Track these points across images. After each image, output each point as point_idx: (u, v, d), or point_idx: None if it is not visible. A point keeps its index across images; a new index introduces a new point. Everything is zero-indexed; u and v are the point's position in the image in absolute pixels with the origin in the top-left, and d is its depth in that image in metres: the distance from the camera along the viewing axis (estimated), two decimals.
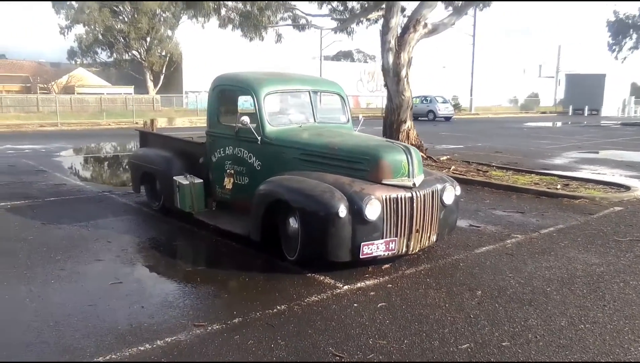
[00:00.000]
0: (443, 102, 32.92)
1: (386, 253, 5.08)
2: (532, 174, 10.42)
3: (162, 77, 44.58)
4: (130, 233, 6.34)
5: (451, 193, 5.52)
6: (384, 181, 5.06)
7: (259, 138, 5.77)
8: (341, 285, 4.71)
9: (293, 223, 5.17)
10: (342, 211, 4.73)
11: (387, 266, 5.20)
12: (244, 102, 6.52)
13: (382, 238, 4.97)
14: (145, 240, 6.14)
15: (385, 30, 10.61)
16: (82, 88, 42.65)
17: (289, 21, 15.60)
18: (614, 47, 34.19)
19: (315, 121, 6.24)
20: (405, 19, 11.14)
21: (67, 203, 7.95)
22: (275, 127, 5.86)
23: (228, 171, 6.14)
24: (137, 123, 17.37)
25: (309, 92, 6.32)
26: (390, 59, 10.61)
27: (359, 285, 4.74)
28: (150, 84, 44.51)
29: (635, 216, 7.50)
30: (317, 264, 5.01)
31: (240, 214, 6.12)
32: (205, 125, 6.59)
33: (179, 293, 4.55)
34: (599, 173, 11.29)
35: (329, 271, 4.96)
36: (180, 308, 4.18)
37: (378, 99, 42.64)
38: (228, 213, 6.36)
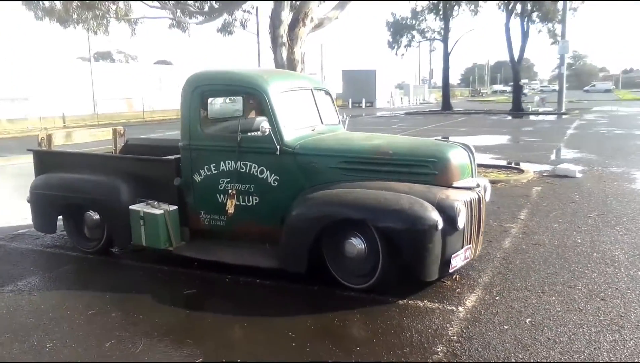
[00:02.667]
0: None
1: (463, 263, 4.62)
2: None
3: None
4: (99, 299, 4.49)
5: (489, 190, 5.25)
6: (454, 184, 4.54)
7: (277, 148, 4.72)
8: (455, 309, 4.08)
9: (357, 243, 4.36)
10: (440, 222, 4.10)
11: (450, 279, 4.70)
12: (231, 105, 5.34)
13: (462, 247, 4.49)
14: (135, 306, 4.35)
15: (276, 24, 9.83)
16: None
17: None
18: (393, 44, 38.07)
19: (322, 123, 5.37)
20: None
21: None
22: (294, 134, 4.87)
23: (230, 191, 4.92)
24: None
25: (311, 90, 5.42)
26: (284, 54, 9.88)
27: (468, 304, 4.17)
28: None
29: (566, 191, 8.21)
30: (385, 288, 4.37)
31: (239, 242, 5.03)
32: (181, 136, 5.19)
33: None
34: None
35: (409, 295, 4.35)
36: None
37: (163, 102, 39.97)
38: (219, 242, 5.15)
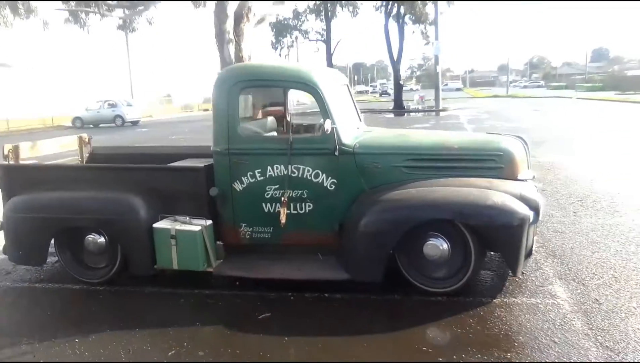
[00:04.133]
0: (128, 105, 30.48)
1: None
2: None
3: None
4: (164, 336, 3.83)
5: None
6: (519, 177, 4.52)
7: (336, 148, 4.36)
8: (555, 302, 4.05)
9: (440, 244, 4.16)
10: (531, 217, 4.05)
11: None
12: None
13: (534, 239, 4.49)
14: (217, 339, 3.75)
15: (222, 19, 9.22)
16: None
17: None
18: (276, 45, 37.89)
19: (360, 120, 5.08)
20: None
21: None
22: (350, 132, 4.54)
23: (282, 199, 4.45)
24: None
25: (347, 85, 5.10)
26: (232, 51, 9.30)
27: (563, 296, 4.16)
28: None
29: None
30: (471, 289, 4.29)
31: (284, 255, 4.59)
32: (214, 141, 4.58)
33: None
34: None
35: (492, 294, 4.27)
36: None
37: None
38: (262, 257, 4.65)
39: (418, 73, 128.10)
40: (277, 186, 4.47)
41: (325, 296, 4.31)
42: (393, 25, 31.90)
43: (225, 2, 9.07)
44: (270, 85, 4.88)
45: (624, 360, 3.03)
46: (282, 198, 4.43)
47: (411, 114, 31.28)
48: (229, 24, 9.23)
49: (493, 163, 4.43)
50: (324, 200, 4.46)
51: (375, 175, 4.42)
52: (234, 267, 4.55)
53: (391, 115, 31.12)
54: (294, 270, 4.45)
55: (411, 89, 74.74)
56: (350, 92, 5.05)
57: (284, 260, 4.58)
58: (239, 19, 9.45)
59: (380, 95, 69.93)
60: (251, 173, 4.49)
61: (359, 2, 32.54)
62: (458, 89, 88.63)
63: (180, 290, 4.56)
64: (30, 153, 5.49)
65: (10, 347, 3.63)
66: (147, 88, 49.72)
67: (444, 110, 31.20)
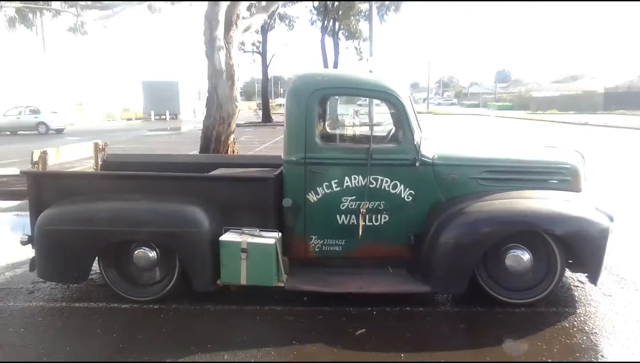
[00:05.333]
0: (53, 113, 28.53)
1: None
2: None
3: None
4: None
5: None
6: (581, 189, 4.69)
7: (416, 159, 4.32)
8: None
9: (523, 255, 4.21)
10: (610, 228, 4.21)
11: None
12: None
13: None
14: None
15: (213, 25, 8.85)
16: None
17: None
18: None
19: (421, 131, 5.05)
20: None
21: None
22: (425, 143, 4.50)
23: (361, 210, 4.33)
24: None
25: (410, 96, 5.05)
26: (222, 58, 8.95)
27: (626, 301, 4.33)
28: None
29: None
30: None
31: (352, 269, 4.48)
32: (286, 150, 4.37)
33: None
34: None
35: (556, 304, 4.39)
36: None
37: None
38: (330, 271, 4.50)
39: None
40: (353, 197, 4.34)
41: (407, 310, 4.22)
42: (329, 40, 32.30)
43: (217, 4, 8.73)
44: (351, 93, 4.75)
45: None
46: (361, 210, 4.30)
47: None
48: (220, 31, 8.90)
49: (562, 176, 4.56)
50: (400, 212, 4.39)
51: (452, 186, 4.41)
52: (305, 282, 4.34)
53: None
54: (371, 283, 4.32)
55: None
56: (412, 102, 5.02)
57: (353, 274, 4.44)
58: (228, 25, 9.15)
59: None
60: (327, 184, 4.33)
61: (294, 16, 32.61)
62: (378, 105, 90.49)
63: (247, 307, 4.29)
64: (55, 160, 4.99)
65: None
66: (61, 95, 47.09)
67: (378, 124, 31.82)
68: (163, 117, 45.99)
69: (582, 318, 4.04)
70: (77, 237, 4.29)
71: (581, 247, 4.11)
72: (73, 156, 5.36)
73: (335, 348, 3.60)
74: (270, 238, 4.21)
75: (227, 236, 4.23)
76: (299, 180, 4.34)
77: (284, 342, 3.68)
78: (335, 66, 32.94)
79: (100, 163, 5.68)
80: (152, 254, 4.38)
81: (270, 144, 18.88)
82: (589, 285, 4.57)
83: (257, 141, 20.41)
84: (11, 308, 4.35)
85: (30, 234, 4.61)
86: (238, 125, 8.77)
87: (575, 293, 4.53)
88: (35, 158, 4.67)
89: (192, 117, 50.30)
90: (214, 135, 9.35)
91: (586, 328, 3.87)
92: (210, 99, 9.37)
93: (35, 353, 3.54)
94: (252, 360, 3.16)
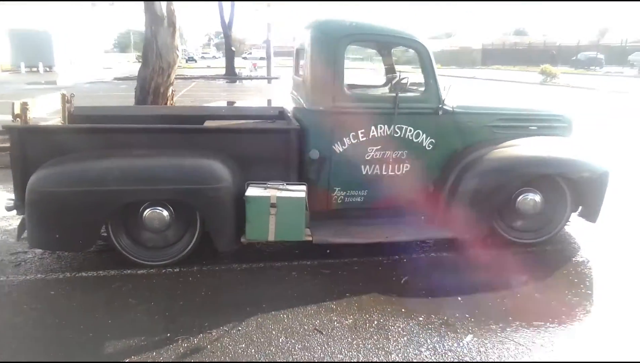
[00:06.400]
0: None
1: None
2: None
3: None
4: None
5: None
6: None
7: (440, 107, 4.37)
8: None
9: (536, 199, 4.47)
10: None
11: None
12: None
13: None
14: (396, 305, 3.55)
15: None
16: None
17: None
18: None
19: None
20: None
21: None
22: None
23: (385, 159, 4.31)
24: None
25: None
26: (164, 4, 8.27)
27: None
28: None
29: None
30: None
31: (370, 219, 4.52)
32: (310, 99, 4.18)
33: None
34: None
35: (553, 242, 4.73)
36: None
37: None
38: (351, 222, 4.48)
39: (216, 41, 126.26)
40: (379, 147, 4.30)
41: (433, 256, 4.32)
42: None
43: None
44: (381, 40, 4.58)
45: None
46: (390, 158, 4.28)
47: (243, 81, 30.98)
48: None
49: (561, 123, 4.83)
50: (421, 161, 4.42)
51: (468, 135, 4.51)
52: (331, 234, 4.26)
53: (223, 82, 30.42)
54: (396, 232, 4.35)
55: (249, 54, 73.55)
56: None
57: (374, 224, 4.44)
58: None
59: (187, 61, 67.49)
60: (354, 134, 4.24)
61: None
62: (262, 58, 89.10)
63: (276, 263, 4.15)
64: (33, 113, 4.38)
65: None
66: None
67: (276, 78, 31.53)
68: (34, 69, 41.85)
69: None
70: (85, 199, 3.83)
71: (587, 188, 4.42)
72: (44, 110, 4.72)
73: (392, 297, 3.60)
74: (300, 191, 4.05)
75: (253, 191, 4.00)
76: (327, 130, 4.19)
77: (337, 295, 3.62)
78: (232, 16, 31.83)
79: (67, 116, 5.08)
80: (166, 214, 4.04)
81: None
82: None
83: None
84: (6, 283, 3.82)
85: (14, 198, 4.05)
86: (127, 79, 8.06)
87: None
88: (17, 110, 4.05)
89: (68, 69, 46.36)
90: (152, 86, 8.74)
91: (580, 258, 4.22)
92: (148, 47, 8.68)
93: (76, 329, 3.15)
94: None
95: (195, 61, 64.17)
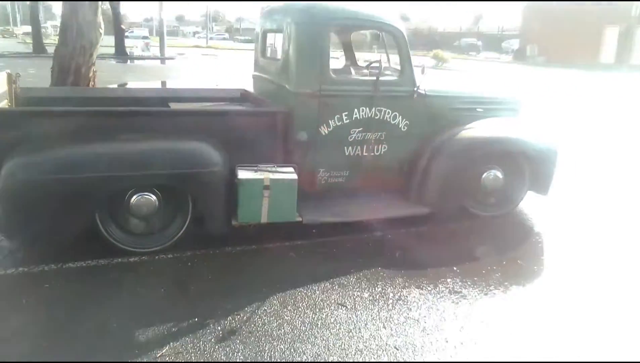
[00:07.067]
0: None
1: None
2: None
3: None
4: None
5: None
6: None
7: (414, 90, 4.64)
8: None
9: (500, 175, 4.91)
10: None
11: None
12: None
13: None
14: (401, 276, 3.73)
15: None
16: None
17: None
18: None
19: None
20: None
21: None
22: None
23: (368, 141, 4.51)
24: None
25: None
26: None
27: None
28: None
29: None
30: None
31: (352, 198, 4.75)
32: (296, 82, 4.23)
33: None
34: None
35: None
36: None
37: None
38: (334, 202, 4.66)
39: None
40: (360, 129, 4.47)
41: (414, 230, 4.60)
42: None
43: None
44: (363, 26, 4.65)
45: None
46: (368, 140, 4.47)
47: (135, 61, 29.52)
48: None
49: (513, 106, 5.30)
50: (396, 142, 4.66)
51: (437, 117, 4.81)
52: (319, 214, 4.40)
53: (114, 62, 28.75)
54: (378, 210, 4.58)
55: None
56: None
57: (355, 204, 4.64)
58: None
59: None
60: (338, 116, 4.38)
61: None
62: (145, 37, 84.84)
63: (267, 245, 4.20)
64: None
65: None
66: None
67: (171, 58, 30.44)
68: None
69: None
70: (75, 187, 3.63)
71: (542, 164, 4.92)
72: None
73: (395, 270, 3.81)
74: (291, 173, 4.12)
75: (246, 174, 4.02)
76: (313, 113, 4.28)
77: (343, 272, 3.76)
78: None
79: (13, 98, 4.69)
80: (154, 199, 3.94)
81: None
82: None
83: None
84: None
85: None
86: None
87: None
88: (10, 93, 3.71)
89: None
90: (73, 66, 8.15)
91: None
92: (66, 24, 8.06)
93: (99, 322, 3.02)
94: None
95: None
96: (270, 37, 5.13)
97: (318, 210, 4.42)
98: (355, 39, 5.44)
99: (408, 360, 2.79)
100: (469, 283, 3.64)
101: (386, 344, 2.89)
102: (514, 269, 3.92)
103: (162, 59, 30.28)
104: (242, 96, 5.46)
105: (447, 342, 2.94)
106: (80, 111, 3.94)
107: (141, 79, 16.79)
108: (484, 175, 4.81)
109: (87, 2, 7.86)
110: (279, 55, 4.61)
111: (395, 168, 4.72)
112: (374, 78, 4.41)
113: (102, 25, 8.37)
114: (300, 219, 4.23)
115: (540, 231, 4.75)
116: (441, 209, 4.68)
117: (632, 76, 24.83)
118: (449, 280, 3.67)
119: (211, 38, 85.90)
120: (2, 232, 3.71)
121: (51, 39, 39.32)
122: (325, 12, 4.30)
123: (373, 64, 4.74)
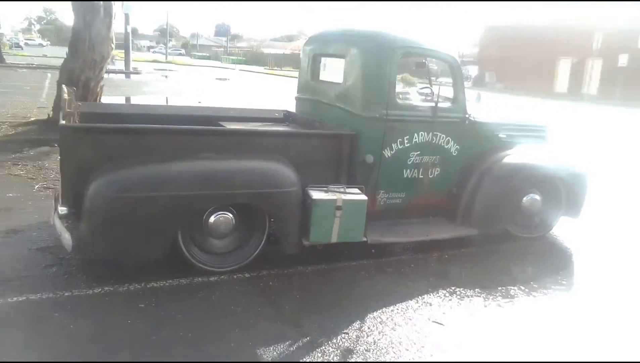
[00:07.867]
0: None
1: None
2: None
3: None
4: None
5: None
6: None
7: (466, 117, 4.89)
8: None
9: (539, 198, 5.19)
10: None
11: None
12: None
13: None
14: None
15: None
16: None
17: None
18: None
19: None
20: None
21: None
22: None
23: (422, 163, 4.72)
24: None
25: None
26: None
27: None
28: None
29: None
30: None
31: (406, 219, 4.93)
32: (363, 106, 4.39)
33: None
34: None
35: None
36: None
37: None
38: (391, 223, 4.81)
39: (39, 27, 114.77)
40: (418, 152, 4.66)
41: (464, 251, 4.81)
42: None
43: None
44: (426, 55, 4.83)
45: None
46: (424, 164, 4.68)
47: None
48: None
49: (543, 133, 5.63)
50: (448, 165, 4.87)
51: (481, 142, 5.06)
52: (381, 234, 4.53)
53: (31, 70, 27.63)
54: (434, 231, 4.77)
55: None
56: None
57: (408, 224, 4.81)
58: None
59: (10, 48, 60.39)
60: (400, 140, 4.55)
61: None
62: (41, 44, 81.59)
63: (337, 264, 4.32)
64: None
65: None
66: None
67: (136, 72, 29.99)
68: None
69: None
70: (161, 205, 3.65)
71: (576, 188, 5.24)
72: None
73: (475, 288, 3.99)
74: (360, 194, 4.26)
75: (319, 195, 4.13)
76: (379, 136, 4.44)
77: (421, 291, 3.91)
78: None
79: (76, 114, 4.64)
80: (231, 218, 3.99)
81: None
82: None
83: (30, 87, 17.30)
84: (63, 299, 3.47)
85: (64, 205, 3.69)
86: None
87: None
88: (69, 108, 3.69)
89: None
90: (82, 80, 8.07)
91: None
92: (78, 37, 7.98)
93: (211, 341, 3.05)
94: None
95: (22, 48, 57.34)
96: (319, 61, 5.26)
97: (379, 230, 4.54)
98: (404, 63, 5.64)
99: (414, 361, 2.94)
100: (544, 298, 3.86)
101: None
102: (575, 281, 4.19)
103: (127, 73, 29.75)
104: (285, 117, 5.56)
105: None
106: (166, 129, 3.95)
107: (125, 94, 16.51)
108: (525, 198, 5.06)
109: (102, 16, 7.81)
110: (339, 79, 4.75)
111: (445, 190, 4.91)
112: (433, 104, 4.61)
113: (114, 40, 8.31)
114: (366, 239, 4.35)
115: (574, 250, 5.05)
116: (487, 230, 4.90)
117: (579, 104, 26.33)
118: (529, 296, 3.87)
119: (169, 53, 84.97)
120: (85, 252, 3.66)
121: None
122: (392, 39, 4.49)
123: (423, 89, 4.95)
